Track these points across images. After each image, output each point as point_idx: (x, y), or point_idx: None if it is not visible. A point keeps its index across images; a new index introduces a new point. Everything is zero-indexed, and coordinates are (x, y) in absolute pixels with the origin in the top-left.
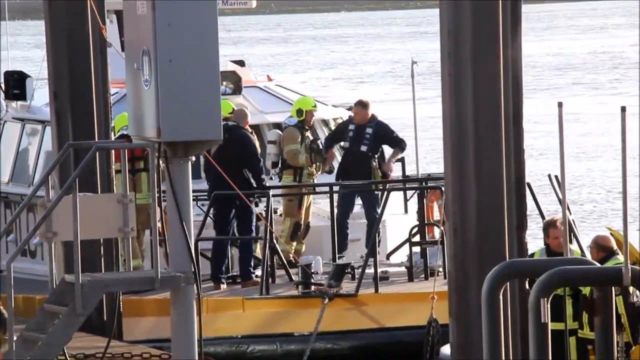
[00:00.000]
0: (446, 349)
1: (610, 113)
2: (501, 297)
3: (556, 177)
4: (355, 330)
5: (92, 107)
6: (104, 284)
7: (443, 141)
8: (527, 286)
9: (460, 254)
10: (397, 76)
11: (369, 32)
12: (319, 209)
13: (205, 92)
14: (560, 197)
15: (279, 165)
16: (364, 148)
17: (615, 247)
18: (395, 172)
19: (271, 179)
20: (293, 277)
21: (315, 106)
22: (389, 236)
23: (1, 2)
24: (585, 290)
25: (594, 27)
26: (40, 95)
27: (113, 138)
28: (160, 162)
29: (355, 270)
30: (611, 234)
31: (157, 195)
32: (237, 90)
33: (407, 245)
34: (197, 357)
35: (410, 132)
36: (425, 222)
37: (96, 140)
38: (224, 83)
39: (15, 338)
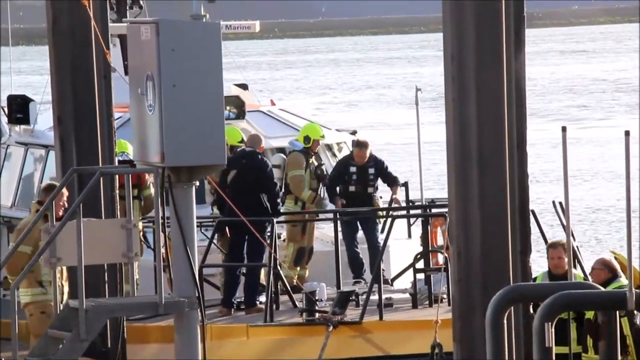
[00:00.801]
0: None
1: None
2: (505, 321)
3: (560, 203)
4: (360, 357)
5: (96, 131)
6: (108, 310)
7: (447, 165)
8: (531, 310)
9: (464, 278)
10: (400, 101)
11: (371, 56)
12: (322, 234)
13: (209, 117)
14: (565, 223)
15: (282, 190)
16: (370, 190)
17: (619, 269)
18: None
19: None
20: (297, 303)
21: (323, 136)
22: (393, 261)
23: (1, 27)
24: (589, 314)
25: (592, 50)
26: (43, 120)
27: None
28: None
29: (360, 297)
30: (615, 257)
31: (160, 220)
32: (240, 115)
33: (410, 271)
34: None
35: (404, 157)
36: (430, 248)
37: (100, 165)
38: (228, 108)
39: None
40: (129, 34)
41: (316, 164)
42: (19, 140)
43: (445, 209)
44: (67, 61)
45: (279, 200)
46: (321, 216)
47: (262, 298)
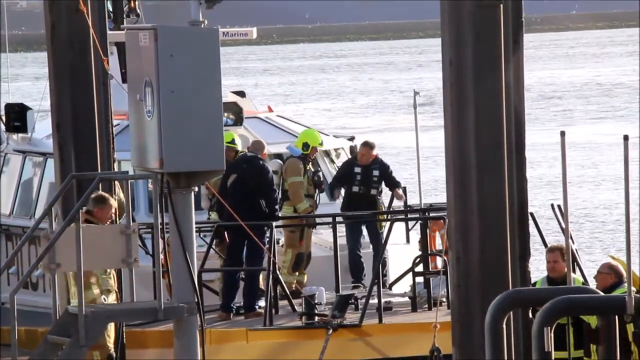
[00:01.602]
0: None
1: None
2: (504, 326)
3: (559, 206)
4: None
5: (95, 138)
6: (107, 315)
7: (445, 170)
8: (530, 315)
9: (463, 283)
10: (398, 105)
11: (370, 61)
12: (320, 239)
13: (207, 122)
14: (564, 226)
15: (280, 196)
16: (373, 191)
17: (624, 275)
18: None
19: None
20: (296, 307)
21: (321, 144)
22: (391, 266)
23: (1, 33)
24: (591, 320)
25: (593, 55)
26: (41, 128)
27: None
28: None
29: (359, 301)
30: (614, 261)
31: (159, 226)
32: (238, 121)
33: (409, 276)
34: None
35: (403, 162)
36: (429, 251)
37: (99, 171)
38: (226, 114)
39: None
40: (128, 40)
41: (313, 170)
42: (17, 149)
43: (444, 212)
44: (65, 68)
45: (277, 206)
46: (320, 220)
47: (261, 303)
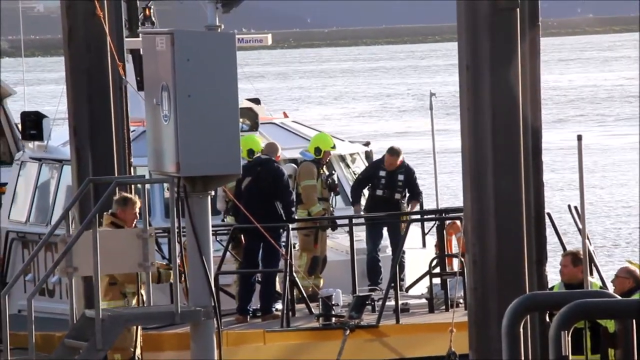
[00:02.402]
0: None
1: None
2: (522, 330)
3: (576, 207)
4: None
5: (112, 142)
6: (125, 319)
7: (462, 174)
8: (547, 319)
9: (480, 287)
10: (415, 109)
11: (387, 65)
12: (336, 243)
13: (224, 127)
14: (580, 227)
15: (294, 200)
16: (397, 196)
17: None
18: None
19: None
20: (313, 310)
21: (334, 147)
22: (407, 271)
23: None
24: (609, 324)
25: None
26: (56, 135)
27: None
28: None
29: (375, 302)
30: (631, 265)
31: (176, 230)
32: (254, 127)
33: (426, 278)
34: None
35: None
36: (445, 253)
37: (116, 175)
38: (242, 120)
39: None
40: (144, 45)
41: (327, 173)
42: (33, 156)
43: (460, 214)
44: (82, 72)
45: (293, 208)
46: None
47: (279, 306)
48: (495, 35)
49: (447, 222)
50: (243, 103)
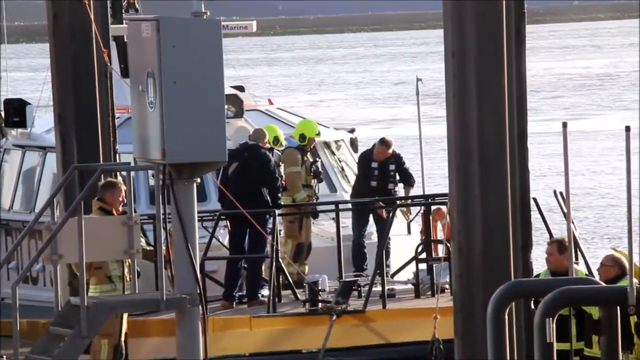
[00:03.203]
0: None
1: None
2: (506, 317)
3: (561, 193)
4: (363, 346)
5: (97, 129)
6: (110, 306)
7: (448, 161)
8: (532, 306)
9: (465, 273)
10: (402, 97)
11: (373, 52)
12: (321, 230)
13: (210, 113)
14: (566, 212)
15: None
16: (391, 185)
17: (627, 267)
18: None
19: None
20: (299, 296)
21: (319, 134)
22: (393, 257)
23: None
24: (593, 311)
25: (592, 46)
26: (40, 123)
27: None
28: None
29: (362, 288)
30: (616, 253)
31: (161, 217)
32: (239, 113)
33: (412, 264)
34: None
35: (409, 149)
36: (431, 239)
37: (101, 162)
38: (226, 106)
39: None
40: (129, 32)
41: (312, 160)
42: (16, 143)
43: (446, 199)
44: (67, 59)
45: (280, 194)
46: (323, 208)
47: (265, 292)
48: (481, 22)
49: (433, 208)
50: (227, 90)
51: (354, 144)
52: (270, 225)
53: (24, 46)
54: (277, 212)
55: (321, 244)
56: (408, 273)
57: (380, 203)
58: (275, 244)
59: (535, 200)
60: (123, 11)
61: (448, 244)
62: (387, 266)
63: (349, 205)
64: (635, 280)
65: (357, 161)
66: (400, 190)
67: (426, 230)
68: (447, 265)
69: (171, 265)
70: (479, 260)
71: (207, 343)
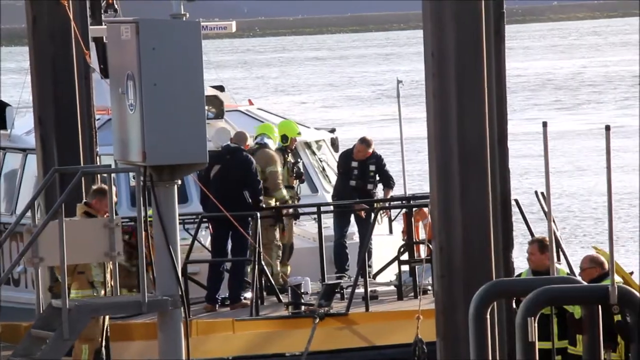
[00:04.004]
0: None
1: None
2: (488, 317)
3: (542, 193)
4: (346, 349)
5: (77, 131)
6: (92, 309)
7: (428, 161)
8: (514, 306)
9: (446, 274)
10: (382, 97)
11: (352, 53)
12: (303, 230)
13: (190, 115)
14: (546, 210)
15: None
16: (370, 186)
17: (606, 265)
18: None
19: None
20: (282, 298)
21: (299, 133)
22: (374, 257)
23: None
24: (575, 310)
25: (572, 46)
26: (20, 124)
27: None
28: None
29: (345, 290)
30: (597, 252)
31: (142, 219)
32: (219, 114)
33: (394, 264)
34: None
35: (390, 150)
36: (413, 240)
37: (81, 165)
38: (207, 107)
39: None
40: (109, 34)
41: (293, 161)
42: None
43: (427, 201)
44: (47, 61)
45: (261, 197)
46: (306, 210)
47: (247, 294)
48: (460, 22)
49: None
50: (207, 90)
51: (334, 144)
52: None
53: (5, 49)
54: (259, 214)
55: (303, 245)
56: (390, 274)
57: (363, 205)
58: (257, 246)
59: (517, 201)
60: (102, 12)
61: (430, 245)
62: (369, 266)
63: (331, 207)
64: (617, 279)
65: (337, 160)
66: (379, 191)
67: (408, 232)
68: (429, 267)
69: (152, 268)
70: (460, 260)
71: (189, 346)
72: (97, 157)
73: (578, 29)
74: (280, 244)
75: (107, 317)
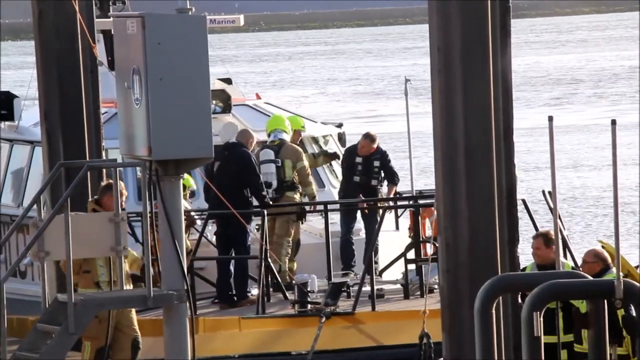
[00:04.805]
0: None
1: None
2: (494, 311)
3: (549, 192)
4: (353, 348)
5: (83, 126)
6: (97, 303)
7: (434, 157)
8: (519, 300)
9: (452, 269)
10: (388, 92)
11: (358, 47)
12: (310, 226)
13: (195, 109)
14: (552, 206)
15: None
16: (374, 182)
17: (609, 260)
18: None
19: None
20: (288, 296)
21: (304, 127)
22: (381, 253)
23: None
24: (581, 304)
25: (580, 40)
26: (28, 116)
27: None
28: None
29: (351, 289)
30: (603, 247)
31: (148, 214)
32: (226, 108)
33: (401, 262)
34: None
35: (397, 146)
36: (420, 239)
37: (87, 159)
38: (214, 101)
39: (8, 358)
40: (115, 28)
41: None
42: (4, 137)
43: (434, 199)
44: (53, 56)
45: (263, 192)
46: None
47: (254, 291)
48: (466, 17)
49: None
50: (215, 84)
51: (341, 138)
52: (257, 224)
53: (9, 43)
54: (265, 212)
55: (310, 241)
56: (397, 272)
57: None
58: (264, 243)
59: (524, 201)
60: (110, 3)
61: (435, 244)
62: (376, 262)
63: (338, 205)
64: (621, 273)
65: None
66: (384, 188)
67: (415, 231)
68: (435, 265)
69: (158, 262)
70: (466, 255)
71: (194, 342)
72: (104, 151)
73: (587, 24)
74: (291, 241)
75: (112, 316)
